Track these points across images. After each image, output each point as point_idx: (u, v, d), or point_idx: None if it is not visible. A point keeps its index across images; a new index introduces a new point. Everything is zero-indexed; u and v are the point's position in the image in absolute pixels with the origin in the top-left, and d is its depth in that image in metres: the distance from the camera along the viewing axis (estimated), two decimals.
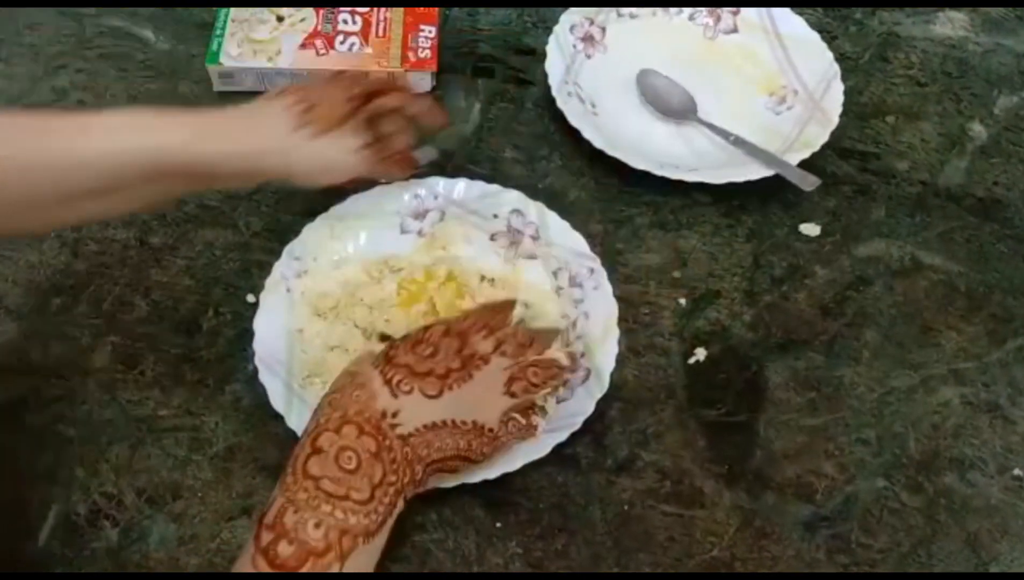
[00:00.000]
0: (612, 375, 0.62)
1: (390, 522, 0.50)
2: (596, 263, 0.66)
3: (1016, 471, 0.64)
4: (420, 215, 0.70)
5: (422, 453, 0.52)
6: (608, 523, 0.61)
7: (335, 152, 0.61)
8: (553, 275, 0.67)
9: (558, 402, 0.62)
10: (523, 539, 0.60)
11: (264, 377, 0.61)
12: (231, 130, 0.58)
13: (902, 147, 0.80)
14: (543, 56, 0.79)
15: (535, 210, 0.69)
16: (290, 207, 0.72)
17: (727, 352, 0.68)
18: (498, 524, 0.60)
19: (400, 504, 0.51)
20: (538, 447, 0.59)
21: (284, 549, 0.46)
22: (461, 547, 0.59)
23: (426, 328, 0.57)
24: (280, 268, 0.66)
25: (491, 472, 0.58)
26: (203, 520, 0.60)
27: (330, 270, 0.68)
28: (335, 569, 0.47)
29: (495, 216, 0.69)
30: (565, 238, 0.68)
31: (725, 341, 0.68)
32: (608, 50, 0.83)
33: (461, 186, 0.70)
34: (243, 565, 0.47)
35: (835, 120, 0.76)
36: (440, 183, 0.70)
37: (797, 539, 0.61)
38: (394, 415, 0.52)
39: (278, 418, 0.60)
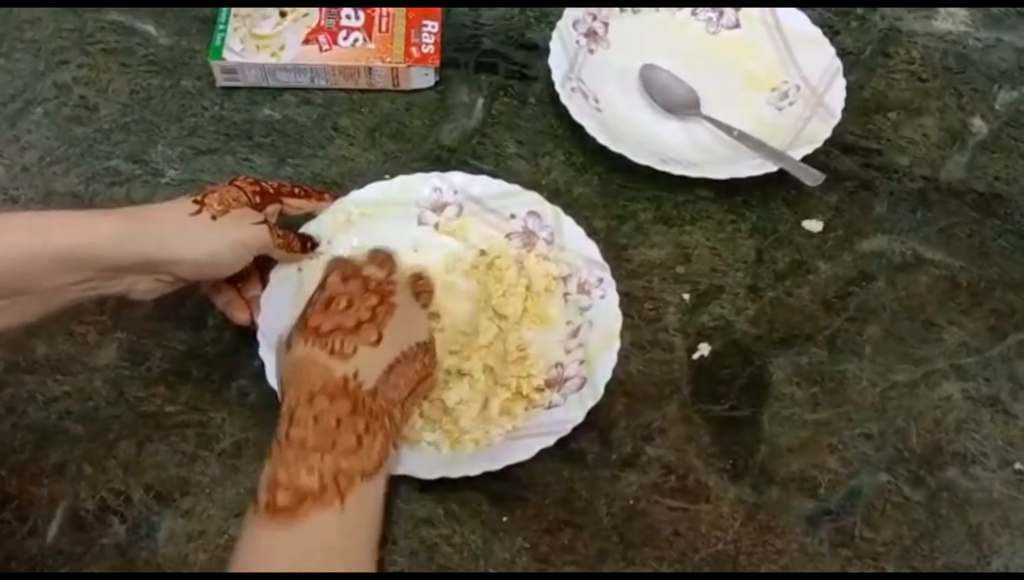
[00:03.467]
0: (616, 371, 0.63)
1: (386, 467, 0.52)
2: (606, 273, 0.66)
3: (1017, 465, 0.65)
4: (439, 209, 0.70)
5: (392, 396, 0.54)
6: (614, 518, 0.61)
7: (235, 228, 0.60)
8: (562, 281, 0.68)
9: (548, 408, 0.62)
10: (529, 534, 0.60)
11: (264, 352, 0.61)
12: (128, 220, 0.57)
13: (903, 142, 0.80)
14: (546, 51, 0.79)
15: (552, 213, 0.69)
16: None
17: (731, 347, 0.68)
18: (504, 519, 0.61)
19: (392, 450, 0.53)
20: (524, 450, 0.59)
21: (282, 497, 0.47)
22: (468, 541, 0.60)
23: (320, 287, 0.58)
24: None
25: (494, 464, 0.59)
26: (211, 516, 0.60)
27: (343, 253, 0.67)
28: (335, 508, 0.48)
29: (512, 216, 0.70)
30: (579, 244, 0.68)
31: (729, 336, 0.69)
32: (611, 45, 0.83)
33: (481, 183, 0.70)
34: (246, 528, 0.48)
35: (837, 115, 0.76)
36: (461, 178, 0.70)
37: (801, 533, 0.61)
38: (355, 376, 0.53)
39: None
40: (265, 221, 0.62)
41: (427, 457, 0.61)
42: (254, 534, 0.48)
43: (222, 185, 0.61)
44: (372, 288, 0.57)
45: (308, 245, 0.66)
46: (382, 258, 0.61)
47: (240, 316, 0.64)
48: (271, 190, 0.64)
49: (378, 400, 0.53)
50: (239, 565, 0.48)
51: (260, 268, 0.65)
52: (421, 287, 0.62)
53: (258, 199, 0.62)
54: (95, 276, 0.55)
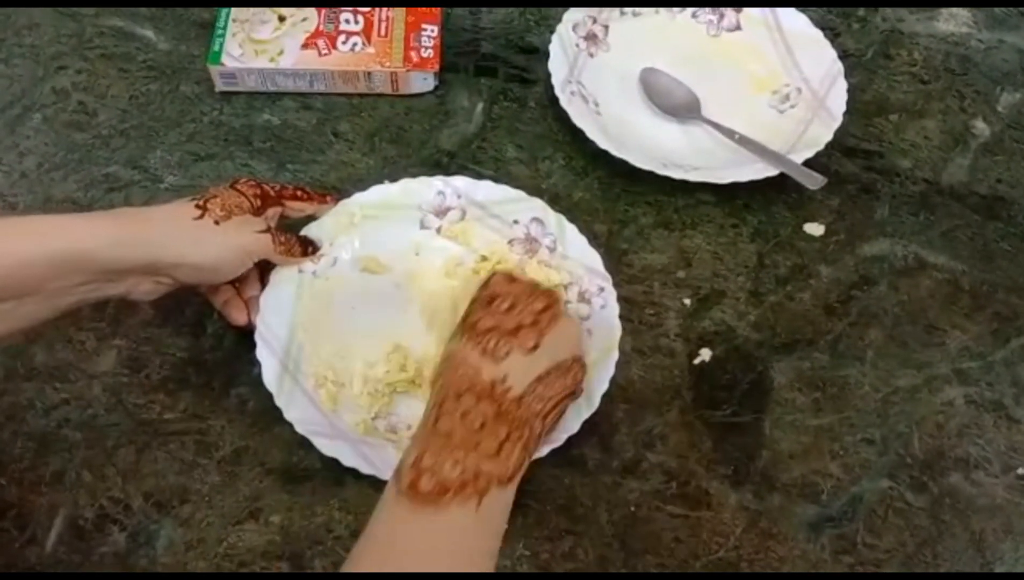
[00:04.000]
0: (617, 376, 0.62)
1: (519, 476, 0.51)
2: (608, 283, 0.66)
3: (1020, 470, 0.64)
4: (441, 212, 0.70)
5: (536, 407, 0.53)
6: (615, 524, 0.61)
7: (238, 234, 0.60)
8: (564, 289, 0.67)
9: None
10: (530, 541, 0.60)
11: (261, 353, 0.61)
12: (127, 223, 0.56)
13: (905, 145, 0.80)
14: (546, 55, 0.79)
15: (555, 221, 0.69)
16: None
17: (732, 352, 0.68)
18: (505, 526, 0.60)
19: (527, 459, 0.52)
20: None
21: (426, 483, 0.47)
22: None
23: (486, 285, 0.57)
24: None
25: None
26: (210, 524, 0.60)
27: (345, 255, 0.68)
28: (472, 505, 0.48)
29: (515, 222, 0.69)
30: (581, 253, 0.68)
31: (730, 341, 0.69)
32: (611, 48, 0.83)
33: (485, 188, 0.70)
34: (386, 505, 0.48)
35: (839, 118, 0.76)
36: (465, 183, 0.70)
37: (803, 539, 0.61)
38: (503, 381, 0.52)
39: (284, 421, 0.60)
40: (268, 229, 0.62)
41: None
42: (393, 513, 0.48)
43: (223, 188, 0.61)
44: (539, 292, 0.56)
45: (309, 249, 0.66)
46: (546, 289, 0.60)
47: (238, 317, 0.64)
48: (272, 193, 0.64)
49: (522, 409, 0.52)
50: (372, 539, 0.48)
51: (259, 269, 0.64)
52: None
53: (259, 202, 0.62)
54: (95, 278, 0.55)
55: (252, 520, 0.60)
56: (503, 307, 0.55)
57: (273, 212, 0.63)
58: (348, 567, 0.47)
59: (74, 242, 0.53)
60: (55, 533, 0.59)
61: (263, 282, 0.65)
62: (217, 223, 0.58)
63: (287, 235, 0.64)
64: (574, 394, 0.57)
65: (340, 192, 0.71)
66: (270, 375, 0.61)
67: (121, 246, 0.55)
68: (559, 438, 0.60)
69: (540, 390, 0.53)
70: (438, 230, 0.70)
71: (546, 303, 0.55)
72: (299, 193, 0.66)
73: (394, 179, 0.70)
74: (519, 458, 0.51)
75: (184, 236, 0.57)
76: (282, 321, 0.63)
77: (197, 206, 0.59)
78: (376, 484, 0.58)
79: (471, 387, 0.52)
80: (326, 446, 0.59)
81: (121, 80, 0.80)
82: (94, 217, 0.57)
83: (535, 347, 0.54)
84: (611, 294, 0.66)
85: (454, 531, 0.48)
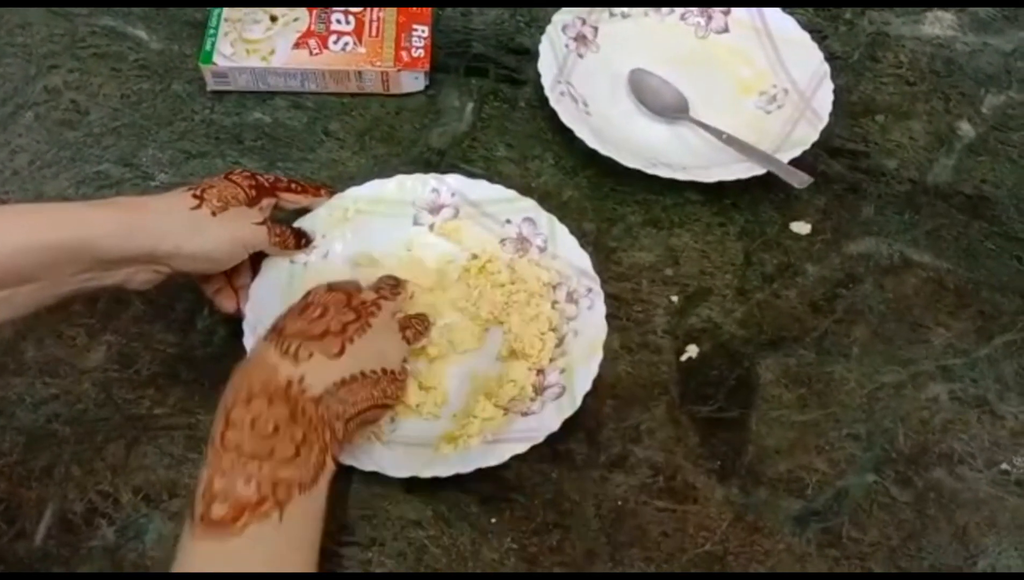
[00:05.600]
0: (604, 372, 0.63)
1: (323, 482, 0.50)
2: (596, 285, 0.66)
3: (1004, 465, 0.65)
4: (435, 210, 0.70)
5: (338, 410, 0.52)
6: (602, 519, 0.61)
7: (234, 226, 0.60)
8: (552, 289, 0.68)
9: (524, 415, 0.62)
10: (518, 535, 0.60)
11: (249, 342, 0.61)
12: (125, 213, 0.56)
13: (891, 145, 0.81)
14: (536, 55, 0.79)
15: (547, 221, 0.69)
16: None
17: (719, 349, 0.69)
18: (493, 520, 0.61)
19: (329, 464, 0.51)
20: (498, 455, 0.59)
21: (218, 509, 0.46)
22: (456, 543, 0.60)
23: (307, 294, 0.58)
24: None
25: (466, 466, 0.58)
26: None
27: (337, 248, 0.68)
28: (274, 518, 0.46)
29: (508, 221, 0.70)
30: (571, 254, 0.68)
31: (717, 338, 0.69)
32: (600, 49, 0.83)
33: (479, 187, 0.71)
34: (184, 543, 0.46)
35: (825, 119, 0.77)
36: (459, 181, 0.71)
37: (788, 534, 0.61)
38: (300, 381, 0.51)
39: None
40: (264, 221, 0.62)
41: (399, 456, 0.60)
42: (190, 550, 0.46)
43: (218, 179, 0.61)
44: (353, 305, 0.57)
45: (303, 241, 0.67)
46: (387, 284, 0.61)
47: (228, 305, 0.64)
48: (267, 184, 0.64)
49: (320, 409, 0.51)
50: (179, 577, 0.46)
51: (251, 259, 0.64)
52: (415, 325, 0.62)
53: (254, 193, 0.62)
54: (92, 267, 0.55)
55: None
56: (314, 315, 0.55)
57: (267, 203, 0.64)
58: None
59: (72, 231, 0.53)
60: (44, 527, 0.59)
61: (254, 271, 0.65)
62: (214, 214, 0.59)
63: (282, 227, 0.64)
64: (385, 406, 0.57)
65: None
66: None
67: (119, 236, 0.55)
68: (539, 435, 0.60)
69: (342, 394, 0.53)
70: (431, 227, 0.70)
71: (356, 314, 0.56)
72: (293, 185, 0.66)
73: (386, 177, 0.70)
74: (318, 461, 0.50)
75: (181, 226, 0.58)
76: (271, 310, 0.64)
77: (194, 196, 0.59)
78: (361, 476, 0.59)
79: (264, 388, 0.50)
80: None
81: (113, 79, 0.80)
82: (92, 206, 0.57)
83: (340, 353, 0.53)
84: (599, 296, 0.66)
85: (257, 553, 0.46)
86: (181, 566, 0.47)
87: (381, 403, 0.56)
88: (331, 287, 0.58)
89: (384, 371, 0.56)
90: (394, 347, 0.59)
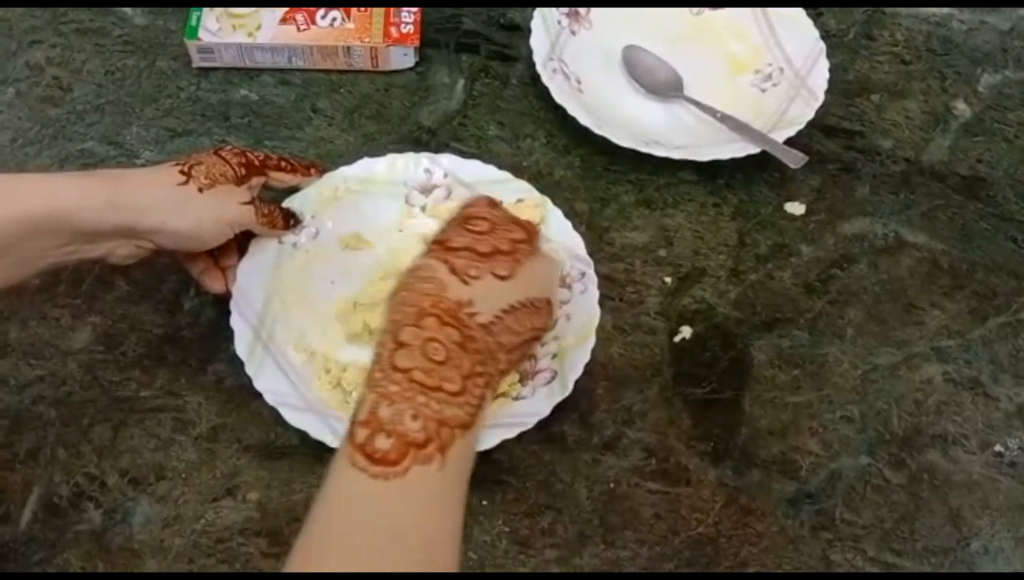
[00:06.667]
0: (597, 354, 0.62)
1: (482, 416, 0.46)
2: (589, 269, 0.65)
3: (997, 447, 0.65)
4: (427, 190, 0.69)
5: (503, 340, 0.48)
6: (594, 501, 0.61)
7: (221, 204, 0.59)
8: None
9: (515, 399, 0.61)
10: (509, 517, 0.60)
11: (235, 321, 0.61)
12: (108, 185, 0.55)
13: (886, 125, 0.80)
14: (528, 32, 0.78)
15: (540, 204, 0.68)
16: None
17: (712, 330, 0.68)
18: (484, 502, 0.60)
19: (488, 397, 0.47)
20: (487, 439, 0.57)
21: (383, 442, 0.41)
22: None
23: (465, 204, 0.53)
24: None
25: (479, 444, 0.57)
26: (187, 501, 0.59)
27: (327, 228, 0.67)
28: (436, 462, 0.42)
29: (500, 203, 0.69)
30: (564, 237, 0.67)
31: (710, 319, 0.69)
32: (593, 26, 0.82)
33: (472, 167, 0.69)
34: (338, 469, 0.42)
35: (820, 97, 0.76)
36: (452, 161, 0.69)
37: (781, 516, 0.61)
38: (470, 304, 0.47)
39: (261, 398, 0.59)
40: (252, 200, 0.61)
41: None
42: (348, 481, 0.42)
43: (207, 154, 0.60)
44: (521, 223, 0.52)
45: (291, 221, 0.65)
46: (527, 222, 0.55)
47: (215, 285, 0.63)
48: (256, 162, 0.62)
49: (488, 338, 0.47)
50: (327, 506, 0.42)
51: (238, 238, 0.63)
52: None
53: (243, 171, 0.61)
54: (73, 240, 0.54)
55: (229, 497, 0.60)
56: (480, 228, 0.50)
57: (256, 181, 0.62)
58: (300, 542, 0.41)
59: (53, 202, 0.52)
60: (29, 511, 0.58)
61: (241, 251, 0.64)
62: (201, 191, 0.57)
63: (270, 207, 0.63)
64: (538, 339, 0.53)
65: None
66: (243, 344, 0.60)
67: (101, 209, 0.53)
68: (530, 421, 0.59)
69: (509, 322, 0.48)
70: (423, 208, 0.69)
71: (527, 234, 0.52)
72: (283, 164, 0.65)
73: (373, 156, 0.69)
74: (480, 396, 0.46)
75: (167, 201, 0.56)
76: (258, 291, 0.63)
77: (181, 172, 0.57)
78: None
79: (434, 305, 0.46)
80: (295, 418, 0.59)
81: (96, 55, 0.79)
82: (74, 177, 0.55)
83: (508, 276, 0.49)
84: (592, 280, 0.65)
85: (419, 499, 0.43)
86: (339, 501, 0.42)
87: (538, 335, 0.52)
88: (492, 202, 0.53)
89: (546, 301, 0.52)
90: (551, 269, 0.55)
